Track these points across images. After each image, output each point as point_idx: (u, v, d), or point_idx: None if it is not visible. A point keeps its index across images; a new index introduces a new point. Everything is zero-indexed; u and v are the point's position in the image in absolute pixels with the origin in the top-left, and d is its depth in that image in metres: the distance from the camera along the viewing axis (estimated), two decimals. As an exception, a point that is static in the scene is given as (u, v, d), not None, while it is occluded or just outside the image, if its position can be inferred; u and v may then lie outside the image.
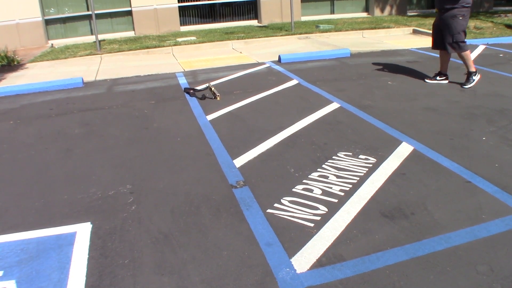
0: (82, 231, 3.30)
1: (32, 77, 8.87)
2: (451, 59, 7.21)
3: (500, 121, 5.30)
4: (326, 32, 12.79)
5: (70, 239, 3.22)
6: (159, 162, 4.49)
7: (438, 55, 7.39)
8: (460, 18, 6.69)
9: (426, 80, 7.28)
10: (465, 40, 6.88)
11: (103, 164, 4.51)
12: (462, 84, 6.99)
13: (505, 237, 3.03)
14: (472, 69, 6.93)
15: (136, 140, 5.15)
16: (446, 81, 7.22)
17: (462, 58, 6.96)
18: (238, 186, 3.87)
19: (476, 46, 10.53)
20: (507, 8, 18.69)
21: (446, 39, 6.91)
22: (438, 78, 7.24)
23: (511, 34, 11.97)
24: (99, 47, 11.19)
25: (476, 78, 6.92)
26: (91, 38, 13.03)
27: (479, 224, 3.18)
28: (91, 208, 3.64)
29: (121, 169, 4.37)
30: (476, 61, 8.79)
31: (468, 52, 6.90)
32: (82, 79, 8.20)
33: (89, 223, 3.40)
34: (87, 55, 10.74)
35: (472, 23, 13.67)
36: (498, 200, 3.50)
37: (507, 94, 6.37)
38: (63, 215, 3.55)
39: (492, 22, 14.16)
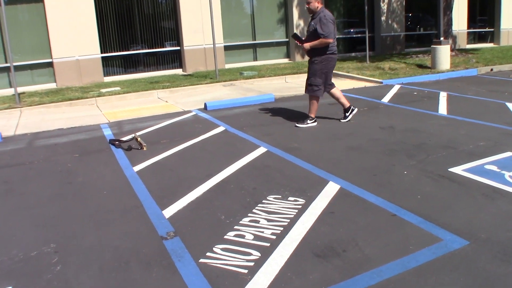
0: (2, 298, 3.07)
1: None
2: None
3: (419, 155, 5.57)
4: (250, 78, 13.09)
5: (-13, 308, 2.98)
6: (85, 218, 4.30)
7: (358, 96, 7.74)
8: (316, 63, 7.18)
9: (341, 120, 7.63)
10: (320, 85, 7.29)
11: (24, 224, 4.26)
12: (296, 122, 7.55)
13: (433, 265, 3.13)
14: (312, 115, 7.45)
15: (59, 196, 4.93)
16: (356, 109, 7.65)
17: (309, 101, 7.46)
18: (168, 238, 3.77)
19: (392, 86, 11.16)
20: (417, 49, 20.07)
21: (306, 81, 7.46)
22: (347, 114, 7.62)
23: (423, 73, 12.82)
24: (18, 100, 10.76)
25: (311, 123, 7.42)
26: (10, 91, 12.54)
27: (408, 255, 3.28)
28: (12, 272, 3.39)
29: (44, 227, 4.14)
30: (392, 99, 9.30)
31: (316, 100, 7.39)
32: (0, 134, 7.82)
33: (10, 287, 3.18)
34: (6, 108, 10.28)
35: (386, 65, 14.52)
36: (423, 230, 3.64)
37: (423, 129, 6.74)
38: (-21, 282, 3.30)
39: (405, 63, 15.11)
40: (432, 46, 13.77)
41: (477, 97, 9.33)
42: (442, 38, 13.97)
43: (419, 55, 17.03)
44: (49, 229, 4.11)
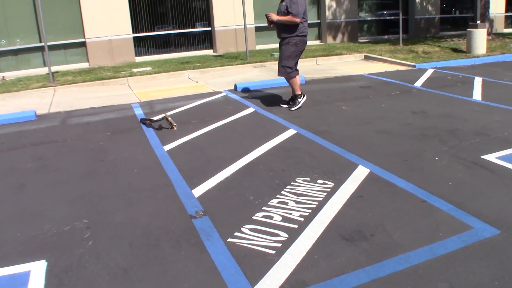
0: (37, 270, 3.17)
1: (-18, 112, 8.59)
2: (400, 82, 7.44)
3: (451, 141, 5.48)
4: (281, 59, 12.97)
5: (24, 278, 3.08)
6: (116, 195, 4.39)
7: (390, 79, 7.63)
8: (291, 45, 7.17)
9: (281, 105, 7.71)
10: (294, 67, 7.31)
11: (57, 199, 4.38)
12: (289, 107, 7.48)
13: (463, 253, 3.10)
14: (298, 92, 7.40)
15: (91, 173, 5.03)
16: (305, 97, 7.60)
17: (289, 84, 7.45)
18: (197, 216, 3.83)
19: (425, 70, 10.94)
20: (452, 32, 19.58)
21: (278, 63, 7.41)
22: (291, 102, 7.62)
23: (458, 57, 12.51)
24: (52, 79, 10.98)
25: (302, 100, 7.41)
26: (44, 70, 12.78)
27: (437, 242, 3.25)
28: (45, 245, 3.51)
29: (77, 203, 4.25)
30: (425, 84, 9.13)
31: (294, 80, 7.34)
32: (35, 112, 8.01)
33: (44, 261, 3.27)
34: (40, 87, 10.49)
35: (420, 48, 14.22)
36: (454, 218, 3.59)
37: (456, 115, 6.61)
38: (16, 254, 3.41)
39: (439, 46, 14.76)
40: (467, 29, 13.37)
41: (513, 83, 9.07)
42: (478, 22, 13.57)
43: (454, 39, 16.61)
44: (81, 205, 4.21)
